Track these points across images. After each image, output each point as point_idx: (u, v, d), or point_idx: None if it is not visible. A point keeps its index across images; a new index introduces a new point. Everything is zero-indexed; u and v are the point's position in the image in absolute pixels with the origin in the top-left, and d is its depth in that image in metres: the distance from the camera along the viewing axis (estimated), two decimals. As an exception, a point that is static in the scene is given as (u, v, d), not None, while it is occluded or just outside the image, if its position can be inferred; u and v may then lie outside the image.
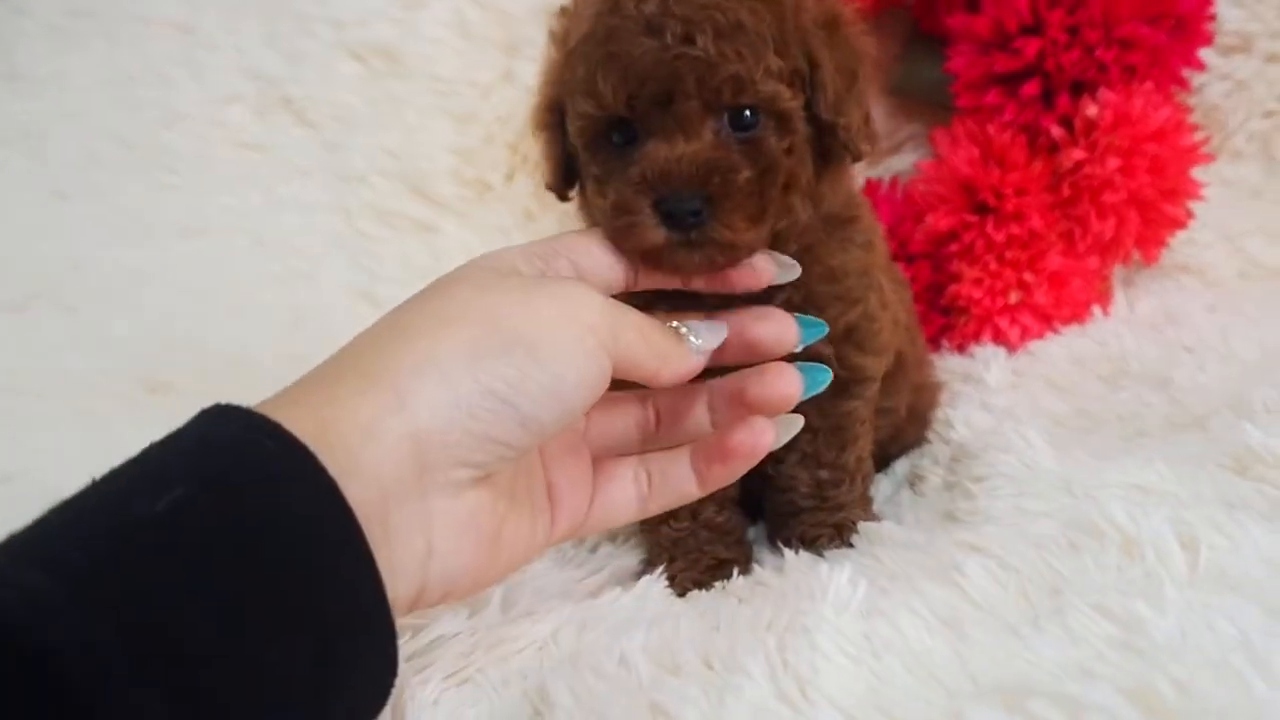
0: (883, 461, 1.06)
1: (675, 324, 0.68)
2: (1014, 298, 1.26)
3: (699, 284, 0.72)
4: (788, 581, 0.78)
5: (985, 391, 1.16)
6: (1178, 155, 1.24)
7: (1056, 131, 1.25)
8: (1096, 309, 1.31)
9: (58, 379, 1.44)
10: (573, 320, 0.60)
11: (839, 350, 0.86)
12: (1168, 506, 0.74)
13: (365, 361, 0.56)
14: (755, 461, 0.71)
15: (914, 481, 1.01)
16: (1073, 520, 0.75)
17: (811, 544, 0.91)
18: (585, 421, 0.73)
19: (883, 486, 1.02)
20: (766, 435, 0.70)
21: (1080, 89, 1.25)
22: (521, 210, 1.64)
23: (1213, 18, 1.27)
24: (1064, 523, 0.76)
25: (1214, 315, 1.28)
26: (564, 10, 0.81)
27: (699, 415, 0.75)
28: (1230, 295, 1.34)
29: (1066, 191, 1.25)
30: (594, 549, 0.94)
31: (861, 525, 0.89)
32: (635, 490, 0.73)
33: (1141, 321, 1.30)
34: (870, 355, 0.90)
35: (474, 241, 1.63)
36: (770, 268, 0.73)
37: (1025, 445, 0.92)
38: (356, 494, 0.51)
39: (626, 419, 0.76)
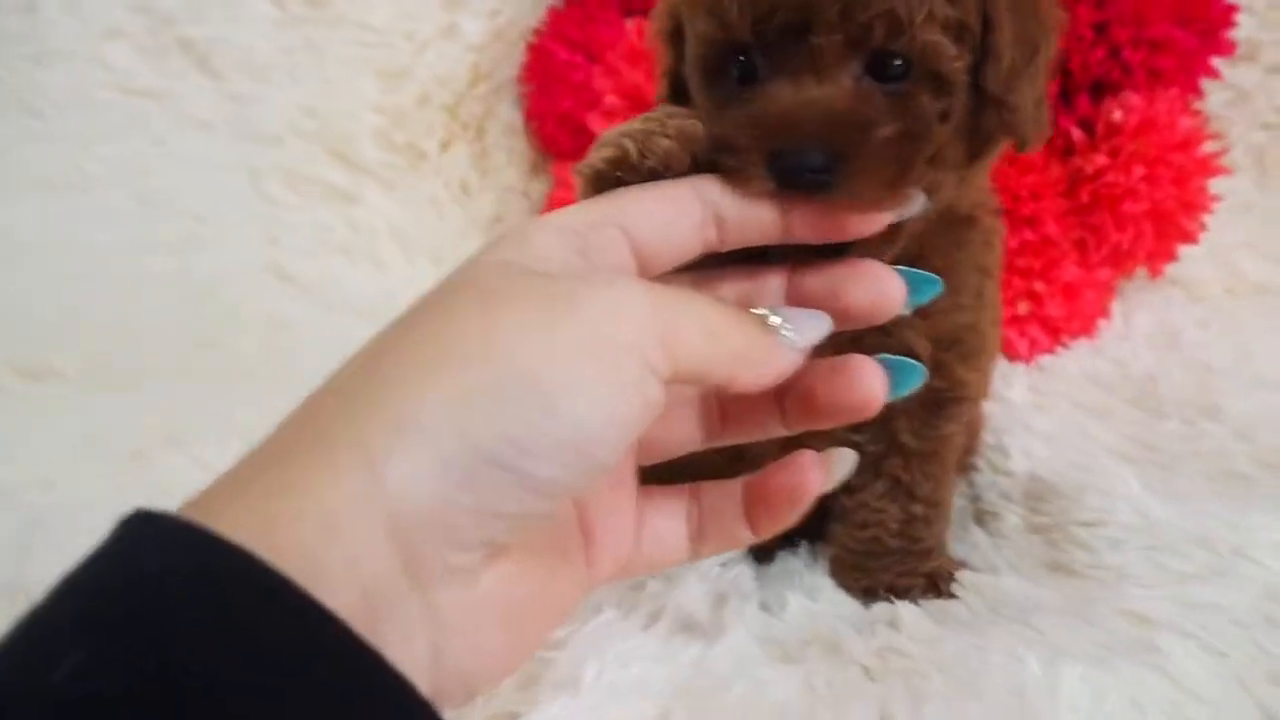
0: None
1: (763, 311, 0.52)
2: (1024, 308, 1.19)
3: (802, 232, 0.56)
4: (942, 654, 0.68)
5: (1016, 411, 1.08)
6: (1198, 166, 1.20)
7: (1076, 134, 1.19)
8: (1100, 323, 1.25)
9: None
10: (606, 340, 0.45)
11: (941, 358, 0.75)
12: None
13: (330, 424, 0.42)
14: (803, 508, 0.57)
15: (983, 519, 0.92)
16: (1268, 591, 0.68)
17: (902, 595, 0.81)
18: None
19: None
20: (811, 476, 0.56)
21: (1100, 90, 1.19)
22: (458, 182, 1.49)
23: (1235, 25, 1.22)
24: (1248, 592, 0.69)
25: (1208, 331, 1.26)
26: None
27: (769, 412, 0.59)
28: (1218, 311, 1.31)
29: (1085, 198, 1.19)
30: (639, 585, 0.81)
31: (969, 577, 0.80)
32: (687, 529, 0.59)
33: (1141, 337, 1.25)
34: (974, 371, 0.79)
35: (399, 214, 1.47)
36: (887, 220, 0.57)
37: (1124, 486, 0.85)
38: (328, 605, 0.38)
39: (686, 417, 0.60)
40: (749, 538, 0.58)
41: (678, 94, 0.68)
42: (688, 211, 0.53)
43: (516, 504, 0.42)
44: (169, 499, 0.98)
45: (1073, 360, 1.20)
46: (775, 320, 0.51)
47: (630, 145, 0.55)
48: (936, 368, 0.76)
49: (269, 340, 1.36)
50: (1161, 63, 1.17)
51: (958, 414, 0.81)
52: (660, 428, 0.56)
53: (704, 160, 0.55)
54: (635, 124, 0.58)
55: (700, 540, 0.58)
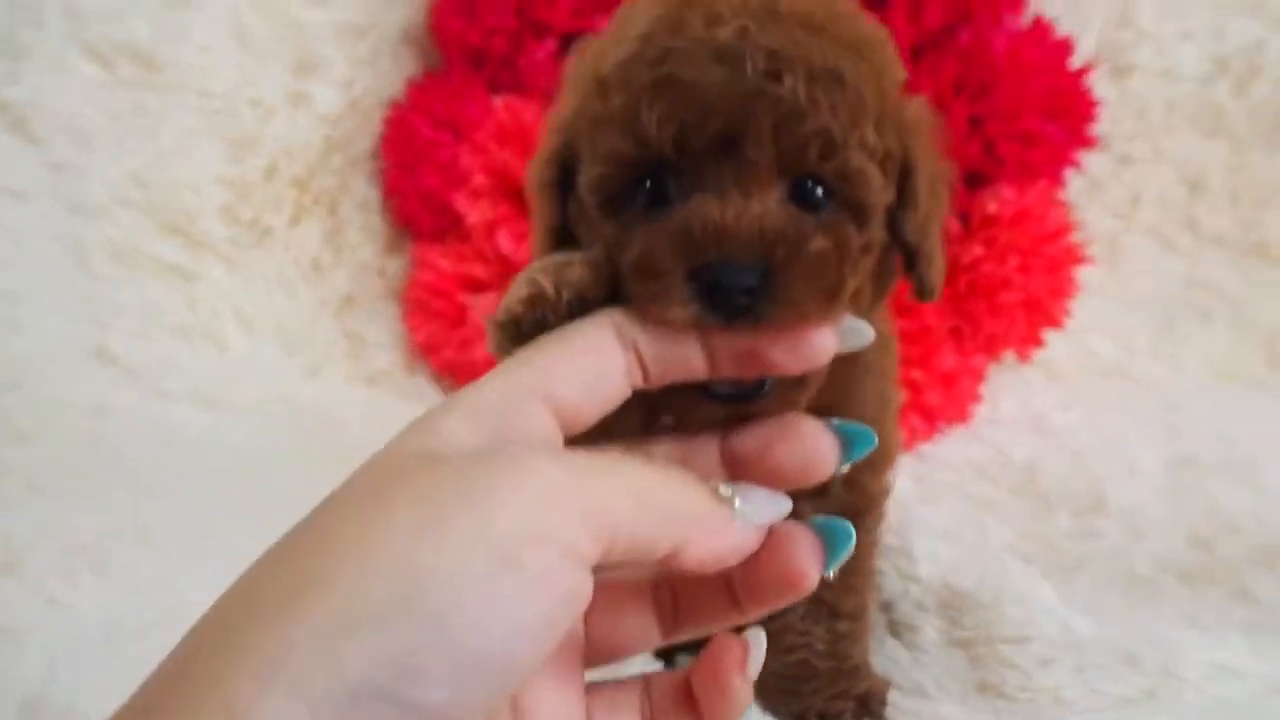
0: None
1: (714, 484, 0.47)
2: (903, 397, 1.18)
3: (729, 370, 0.50)
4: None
5: (907, 505, 1.07)
6: (1067, 255, 1.23)
7: (953, 225, 1.20)
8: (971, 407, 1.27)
9: None
10: (508, 531, 0.39)
11: (853, 474, 0.72)
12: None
13: (192, 673, 0.37)
14: (729, 698, 0.50)
15: (898, 631, 0.90)
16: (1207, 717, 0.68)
17: (834, 720, 0.79)
18: (582, 626, 0.52)
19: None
20: (727, 665, 0.49)
21: (974, 182, 1.21)
22: (309, 261, 1.40)
23: (1097, 119, 1.26)
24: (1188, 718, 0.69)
25: (1071, 413, 1.29)
26: (591, 44, 0.60)
27: (718, 596, 0.52)
28: (1077, 394, 1.34)
29: (962, 288, 1.20)
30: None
31: (902, 701, 0.78)
32: None
33: (1011, 420, 1.27)
34: (884, 480, 0.79)
35: (243, 293, 1.37)
36: (828, 337, 0.50)
37: (1040, 597, 0.85)
38: None
39: (639, 612, 0.53)
40: None
41: (560, 246, 0.61)
42: (612, 358, 0.48)
43: None
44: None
45: (952, 448, 1.21)
46: (726, 492, 0.46)
47: (544, 280, 0.51)
48: (849, 483, 0.74)
49: (93, 431, 1.24)
50: (1032, 156, 1.19)
51: (872, 524, 0.80)
52: (612, 624, 0.52)
53: (619, 290, 0.51)
54: (539, 264, 0.53)
55: None
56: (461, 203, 1.25)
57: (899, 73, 0.60)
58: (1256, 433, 1.21)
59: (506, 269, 1.23)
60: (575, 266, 0.52)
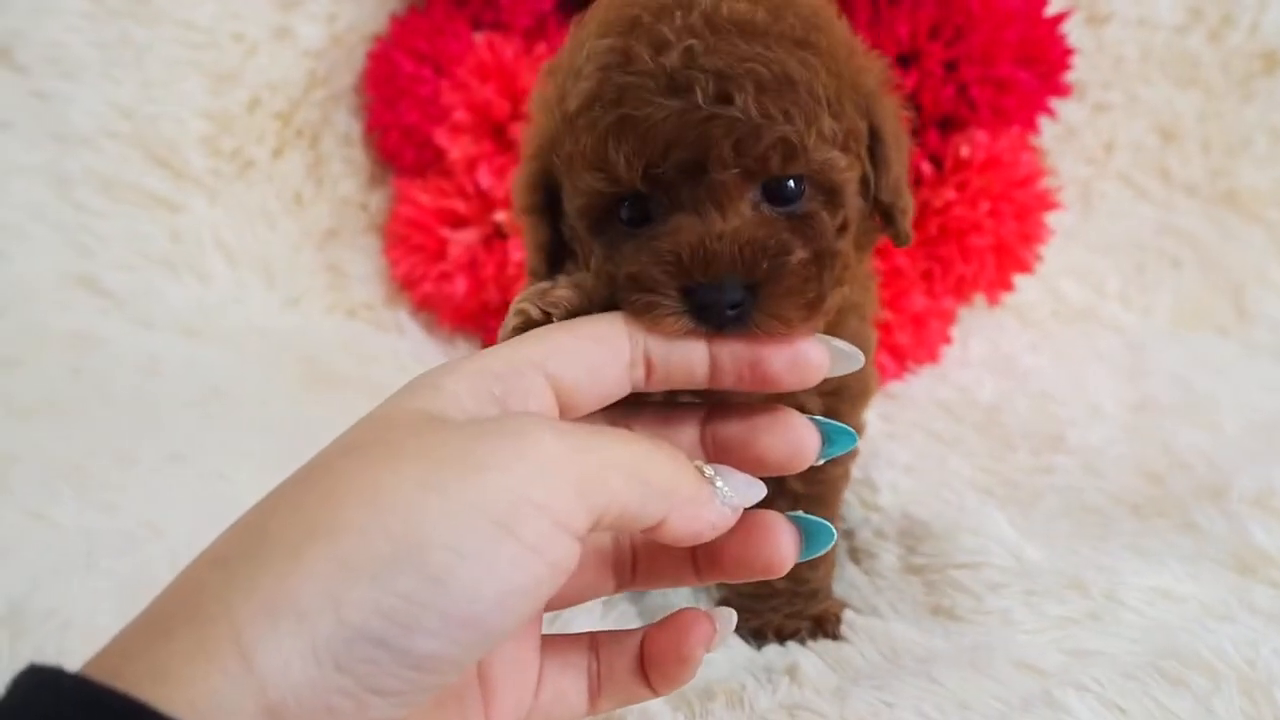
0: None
1: (700, 465, 0.51)
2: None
3: (730, 381, 0.54)
4: (851, 711, 0.68)
5: (874, 441, 1.10)
6: (1038, 201, 1.24)
7: (925, 168, 1.21)
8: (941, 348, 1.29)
9: None
10: (506, 499, 0.41)
11: (831, 406, 0.76)
12: (1231, 626, 0.72)
13: (205, 599, 0.39)
14: (694, 668, 0.55)
15: (858, 557, 0.93)
16: (1148, 639, 0.71)
17: (788, 637, 0.82)
18: None
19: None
20: (695, 636, 0.54)
21: (947, 126, 1.22)
22: (290, 193, 1.41)
23: (1071, 67, 1.28)
24: (1127, 639, 0.72)
25: (1040, 355, 1.32)
26: (554, 69, 0.64)
27: (683, 564, 0.57)
28: (1047, 335, 1.37)
29: (933, 230, 1.22)
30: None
31: (856, 620, 0.81)
32: (587, 684, 0.56)
33: (979, 362, 1.30)
34: (860, 413, 0.82)
35: (226, 224, 1.39)
36: (824, 358, 0.54)
37: (994, 526, 0.88)
38: None
39: (597, 565, 0.58)
40: (647, 695, 0.56)
41: (553, 267, 0.66)
42: (618, 351, 0.51)
43: (400, 682, 0.39)
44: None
45: (920, 387, 1.24)
46: (709, 472, 0.50)
47: (531, 308, 0.54)
48: (827, 415, 0.76)
49: (79, 360, 1.26)
50: (1006, 101, 1.21)
51: (845, 457, 0.82)
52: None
53: (607, 302, 0.54)
54: (524, 293, 0.56)
55: (598, 696, 0.56)
56: (442, 138, 1.27)
57: (851, 42, 0.63)
58: (1217, 379, 1.24)
59: (486, 204, 1.25)
60: (560, 289, 0.55)
